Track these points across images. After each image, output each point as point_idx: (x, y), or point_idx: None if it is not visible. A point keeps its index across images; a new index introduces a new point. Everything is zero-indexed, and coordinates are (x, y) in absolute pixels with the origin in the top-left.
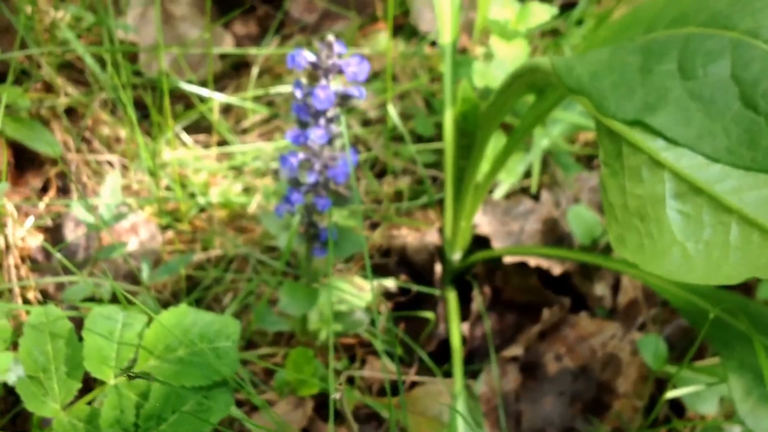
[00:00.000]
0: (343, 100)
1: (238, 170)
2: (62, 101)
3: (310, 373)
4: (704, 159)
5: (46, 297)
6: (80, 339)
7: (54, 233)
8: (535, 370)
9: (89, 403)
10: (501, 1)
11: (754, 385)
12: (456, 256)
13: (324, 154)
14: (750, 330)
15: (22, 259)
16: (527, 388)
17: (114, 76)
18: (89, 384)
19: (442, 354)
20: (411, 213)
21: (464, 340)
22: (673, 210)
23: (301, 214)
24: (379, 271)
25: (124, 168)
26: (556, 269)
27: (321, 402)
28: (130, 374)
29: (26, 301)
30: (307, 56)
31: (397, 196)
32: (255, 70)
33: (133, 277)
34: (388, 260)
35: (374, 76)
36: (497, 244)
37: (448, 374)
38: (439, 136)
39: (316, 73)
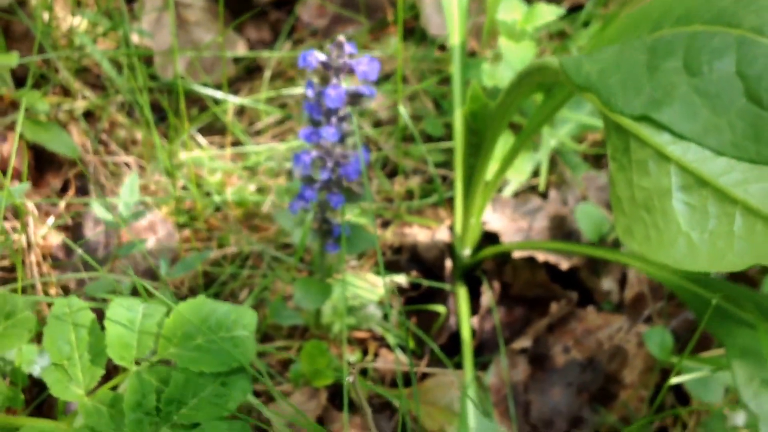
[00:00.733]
0: (354, 98)
1: (252, 170)
2: (80, 104)
3: (324, 365)
4: (710, 152)
5: (67, 293)
6: (102, 329)
7: (74, 232)
8: (544, 362)
9: (112, 389)
10: (509, 3)
11: (756, 370)
12: (466, 252)
13: (336, 152)
14: (755, 316)
15: (44, 257)
16: (536, 379)
17: (131, 79)
18: (111, 372)
19: (452, 347)
20: (422, 211)
21: (474, 333)
22: (679, 201)
23: (315, 211)
24: (391, 267)
25: (141, 169)
26: (564, 264)
27: (334, 392)
28: (151, 361)
29: (47, 296)
30: (318, 56)
31: (408, 194)
32: (268, 73)
33: (151, 274)
34: (400, 257)
35: (385, 78)
36: (507, 241)
37: (458, 366)
38: (448, 137)
39: (327, 72)
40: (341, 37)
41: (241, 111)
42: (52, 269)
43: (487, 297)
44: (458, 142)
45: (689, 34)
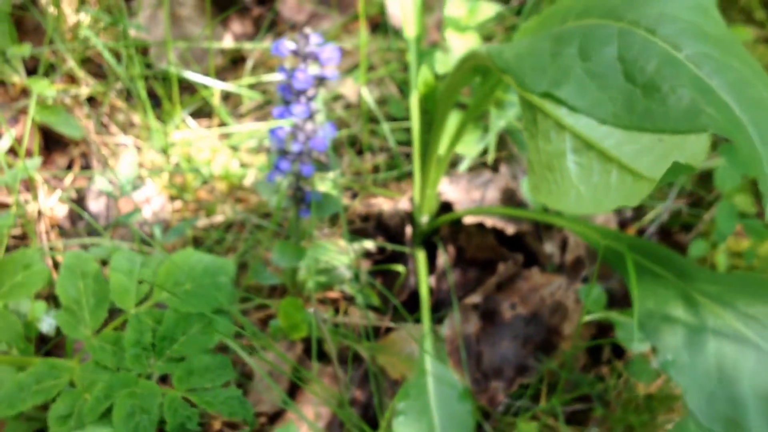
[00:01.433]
0: (320, 81)
1: (235, 148)
2: (84, 91)
3: (299, 319)
4: (596, 122)
5: None
6: (106, 279)
7: (78, 204)
8: (493, 317)
9: (115, 329)
10: (455, 1)
11: (655, 309)
12: (424, 219)
13: (306, 127)
14: (627, 253)
15: (51, 227)
16: (486, 332)
17: (129, 68)
18: (114, 314)
19: (412, 304)
20: (386, 184)
21: (431, 292)
22: (571, 162)
23: (289, 180)
24: (360, 234)
25: (138, 149)
26: (510, 229)
27: (309, 346)
28: (148, 304)
29: (55, 263)
30: (289, 45)
31: (375, 169)
32: (250, 63)
33: (147, 241)
34: (367, 225)
35: (355, 67)
36: (460, 209)
37: (418, 321)
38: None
39: (296, 59)
40: (307, 29)
41: (227, 97)
42: (59, 237)
43: (443, 259)
44: (414, 122)
45: (585, 26)
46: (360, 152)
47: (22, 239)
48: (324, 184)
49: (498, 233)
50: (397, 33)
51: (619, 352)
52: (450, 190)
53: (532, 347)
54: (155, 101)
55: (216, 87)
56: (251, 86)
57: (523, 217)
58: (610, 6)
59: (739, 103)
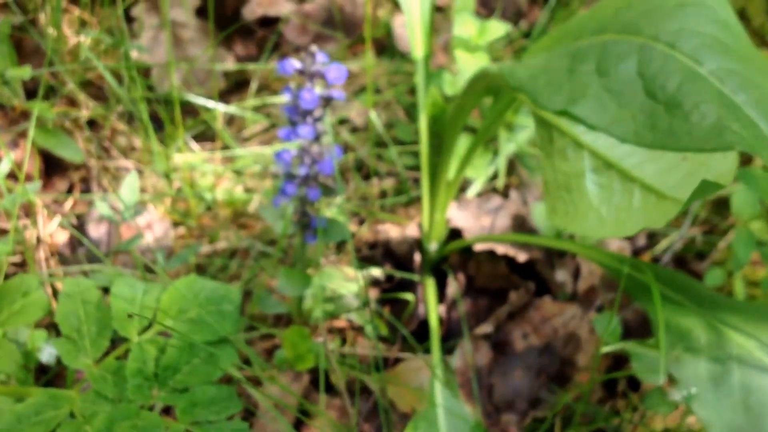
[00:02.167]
0: (326, 101)
1: (239, 173)
2: (84, 114)
3: (305, 349)
4: (616, 140)
5: None
6: (108, 306)
7: (78, 230)
8: (505, 347)
9: (117, 359)
10: (464, 19)
11: (677, 339)
12: (432, 246)
13: (313, 150)
14: (652, 282)
15: (51, 254)
16: (498, 363)
17: (131, 90)
18: (116, 343)
19: (422, 333)
20: (394, 210)
21: (441, 321)
22: (591, 182)
23: (295, 205)
24: (367, 261)
25: (139, 172)
26: (522, 256)
27: (316, 377)
28: (151, 333)
29: (54, 290)
30: (294, 64)
31: (382, 195)
32: (254, 85)
33: (149, 268)
34: (375, 252)
35: (361, 90)
36: (469, 236)
37: (427, 351)
38: (417, 141)
39: (302, 78)
40: (313, 47)
41: (230, 120)
42: (58, 265)
43: (453, 288)
44: (423, 145)
45: (601, 43)
46: (367, 177)
47: (21, 266)
48: (330, 210)
49: (509, 261)
50: (404, 56)
51: (634, 384)
52: (459, 216)
53: (546, 379)
54: (157, 124)
55: (219, 110)
56: (255, 109)
57: (535, 244)
58: (627, 21)
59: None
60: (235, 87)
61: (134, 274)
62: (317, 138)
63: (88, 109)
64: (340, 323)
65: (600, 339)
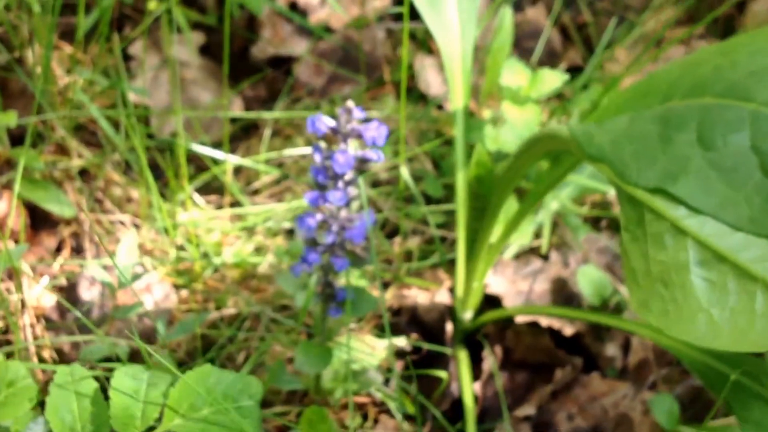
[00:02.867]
0: (361, 163)
1: (250, 230)
2: (75, 163)
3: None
4: (727, 227)
5: (61, 356)
6: (105, 398)
7: (68, 293)
8: (547, 430)
9: None
10: (513, 67)
11: None
12: (467, 315)
13: (341, 215)
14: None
15: (37, 318)
16: None
17: (130, 137)
18: None
19: (454, 413)
20: (421, 273)
21: (476, 399)
22: (697, 277)
23: (318, 274)
24: (391, 330)
25: (136, 227)
26: (568, 329)
27: None
28: None
29: (42, 360)
30: (327, 121)
31: (407, 255)
32: (267, 133)
33: (148, 336)
34: (399, 319)
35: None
36: (508, 304)
37: None
38: (447, 198)
39: (334, 137)
40: (350, 102)
41: (238, 170)
42: (46, 331)
43: (489, 362)
44: (460, 206)
45: (701, 107)
46: (390, 235)
47: (4, 333)
48: (352, 274)
49: (554, 333)
50: (428, 99)
51: None
52: (495, 281)
53: None
54: (156, 173)
55: (229, 161)
56: (267, 159)
57: (580, 318)
58: (733, 83)
59: None
60: (242, 133)
61: (131, 345)
62: (348, 203)
63: (80, 157)
64: (361, 398)
65: (655, 421)
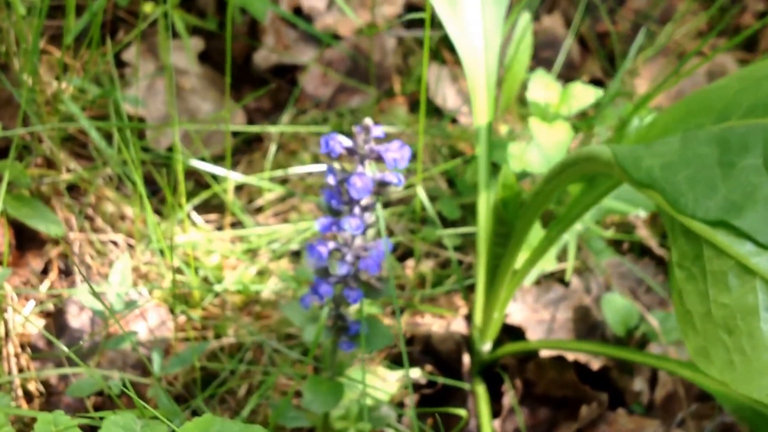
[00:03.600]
0: (380, 187)
1: (252, 252)
2: (64, 177)
3: None
4: None
5: (48, 388)
6: None
7: (56, 319)
8: None
9: None
10: (541, 80)
11: None
12: (486, 347)
13: (355, 243)
14: None
15: (22, 347)
16: None
17: (123, 150)
18: None
19: None
20: (435, 299)
21: None
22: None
23: (329, 305)
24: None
25: (130, 248)
26: (595, 364)
27: None
28: None
29: (27, 393)
30: (343, 141)
31: (420, 280)
32: (273, 148)
33: (142, 367)
34: (412, 349)
35: None
36: (530, 334)
37: None
38: (463, 220)
39: (350, 158)
40: (368, 120)
41: (240, 186)
42: (31, 361)
43: (510, 397)
44: (482, 230)
45: (766, 128)
46: (401, 258)
47: None
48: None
49: (579, 367)
50: (441, 112)
51: None
52: (515, 309)
53: None
54: (152, 190)
55: (231, 178)
56: (272, 178)
57: (608, 354)
58: None
59: None
60: (244, 146)
61: (124, 379)
62: (365, 230)
63: (69, 171)
64: None
65: None
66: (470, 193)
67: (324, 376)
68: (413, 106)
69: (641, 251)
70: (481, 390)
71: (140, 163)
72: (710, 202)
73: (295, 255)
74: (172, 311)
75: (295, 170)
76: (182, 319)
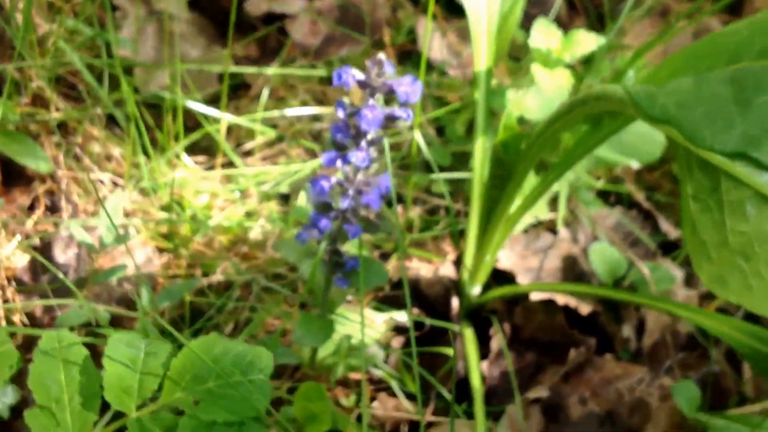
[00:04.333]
0: (388, 121)
1: (241, 193)
2: (54, 116)
3: (321, 409)
4: None
5: (33, 321)
6: (95, 367)
7: (42, 253)
8: (558, 413)
9: None
10: (543, 28)
11: None
12: (475, 290)
13: (358, 178)
14: None
15: (8, 280)
16: None
17: (114, 89)
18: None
19: (459, 392)
20: (423, 244)
21: (483, 379)
22: None
23: (326, 241)
24: (390, 303)
25: (116, 186)
26: (585, 308)
27: None
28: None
29: (11, 324)
30: (356, 74)
31: (408, 225)
32: (265, 90)
33: (127, 302)
34: (399, 292)
35: None
36: (520, 281)
37: (467, 415)
38: (453, 167)
39: (362, 92)
40: (381, 55)
41: (228, 129)
42: (17, 294)
43: (498, 340)
44: (477, 173)
45: None
46: (389, 204)
47: None
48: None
49: (568, 312)
50: (431, 65)
51: None
52: (504, 255)
53: None
54: (140, 131)
55: (224, 119)
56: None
57: (602, 296)
58: None
59: None
60: (231, 92)
61: (110, 311)
62: (369, 165)
63: (58, 110)
64: (356, 374)
65: (675, 408)
66: (460, 141)
67: (315, 313)
68: (402, 58)
69: (629, 205)
70: (468, 333)
71: (134, 101)
72: (728, 136)
73: (284, 198)
74: (158, 249)
75: (290, 112)
76: (168, 257)
